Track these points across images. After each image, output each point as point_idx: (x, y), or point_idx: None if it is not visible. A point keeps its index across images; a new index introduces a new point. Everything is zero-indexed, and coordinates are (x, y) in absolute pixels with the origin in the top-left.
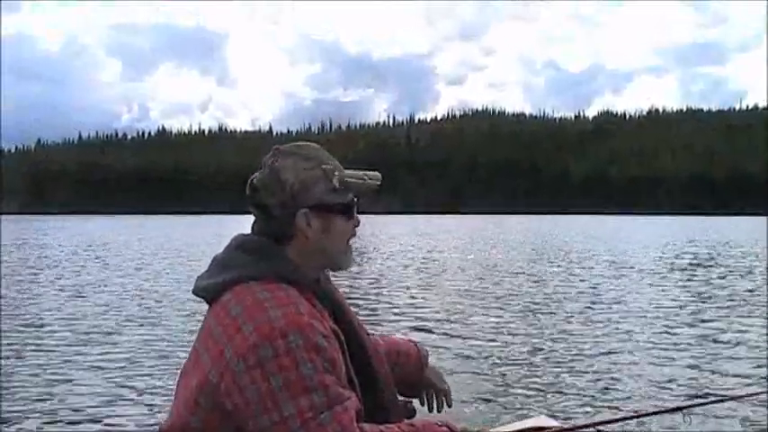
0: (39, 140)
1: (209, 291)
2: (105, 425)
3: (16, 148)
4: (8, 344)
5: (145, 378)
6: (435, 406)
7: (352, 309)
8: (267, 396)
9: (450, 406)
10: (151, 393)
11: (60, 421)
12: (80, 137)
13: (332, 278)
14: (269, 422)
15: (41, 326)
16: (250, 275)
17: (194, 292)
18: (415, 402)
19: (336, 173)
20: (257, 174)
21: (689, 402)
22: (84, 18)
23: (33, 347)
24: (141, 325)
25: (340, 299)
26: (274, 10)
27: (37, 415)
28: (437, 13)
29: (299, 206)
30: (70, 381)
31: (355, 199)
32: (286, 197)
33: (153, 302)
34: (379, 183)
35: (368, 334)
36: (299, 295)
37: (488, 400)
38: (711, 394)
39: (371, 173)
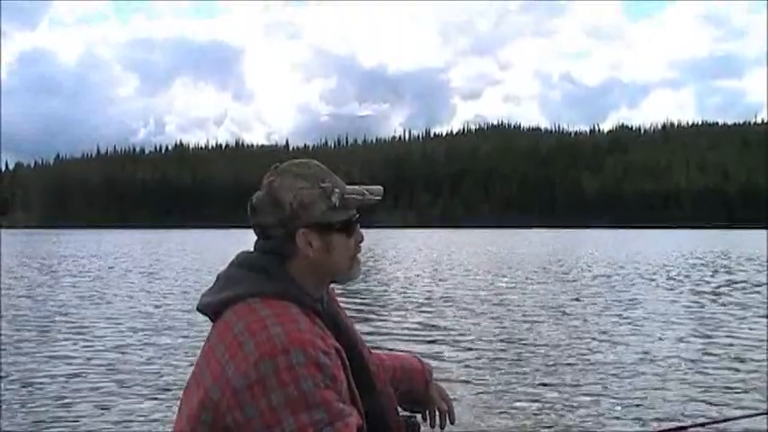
0: (57, 155)
1: (211, 308)
2: None
3: (35, 162)
4: (11, 357)
5: (150, 394)
6: (438, 423)
7: (363, 321)
8: (268, 412)
9: (453, 423)
10: (156, 409)
11: None
12: (98, 151)
13: (342, 289)
14: None
15: (49, 336)
16: (252, 293)
17: (198, 309)
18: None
19: (336, 190)
20: (258, 193)
21: (698, 420)
22: (101, 33)
23: (40, 361)
24: (151, 339)
25: (342, 316)
26: (290, 25)
27: (40, 426)
28: (453, 28)
29: (298, 226)
30: (74, 394)
31: (357, 215)
32: (284, 217)
33: (163, 317)
34: (380, 198)
35: (370, 351)
36: (300, 312)
37: (494, 416)
38: (721, 412)
39: (373, 187)
